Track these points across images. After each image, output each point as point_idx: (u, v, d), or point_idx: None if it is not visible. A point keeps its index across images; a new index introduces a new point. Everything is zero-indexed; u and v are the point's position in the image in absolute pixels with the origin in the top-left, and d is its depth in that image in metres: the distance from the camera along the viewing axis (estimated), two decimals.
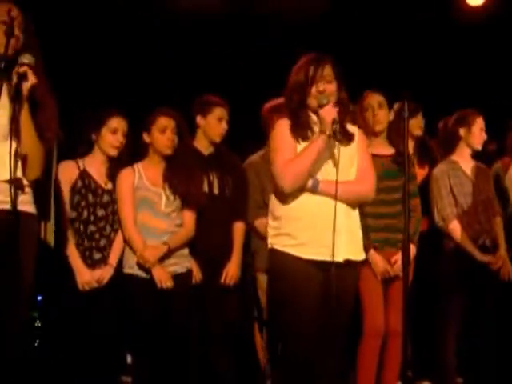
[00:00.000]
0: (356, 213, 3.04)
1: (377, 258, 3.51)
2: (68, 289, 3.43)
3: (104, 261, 3.47)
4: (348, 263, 2.96)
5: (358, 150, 3.04)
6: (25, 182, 2.60)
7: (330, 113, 2.88)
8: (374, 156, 3.54)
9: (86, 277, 3.39)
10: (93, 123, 3.55)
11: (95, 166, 3.55)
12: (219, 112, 3.83)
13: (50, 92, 2.69)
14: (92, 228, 3.48)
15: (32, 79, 2.50)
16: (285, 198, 2.94)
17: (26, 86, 2.46)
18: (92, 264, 3.45)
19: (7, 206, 2.46)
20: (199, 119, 3.84)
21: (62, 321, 3.49)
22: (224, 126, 3.84)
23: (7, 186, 2.40)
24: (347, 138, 3.00)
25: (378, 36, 5.11)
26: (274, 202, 3.01)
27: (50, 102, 2.67)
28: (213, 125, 3.81)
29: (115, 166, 3.56)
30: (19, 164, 2.53)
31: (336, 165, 2.93)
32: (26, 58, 2.49)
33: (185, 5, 4.80)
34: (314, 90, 2.95)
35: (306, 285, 2.89)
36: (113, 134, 3.53)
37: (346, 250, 2.94)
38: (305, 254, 2.90)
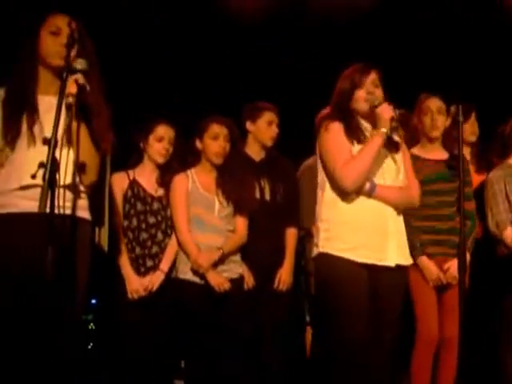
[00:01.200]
0: (401, 218, 3.03)
1: (429, 264, 3.44)
2: (121, 293, 3.44)
3: (156, 268, 3.48)
4: (398, 268, 2.95)
5: (402, 158, 3.05)
6: (81, 188, 2.62)
7: (387, 110, 2.88)
8: (428, 160, 3.48)
9: (135, 285, 3.40)
10: (140, 132, 3.59)
11: (145, 174, 3.58)
12: (269, 116, 3.83)
13: (105, 102, 2.70)
14: (144, 235, 3.50)
15: (81, 81, 2.46)
16: (337, 201, 2.92)
17: (72, 89, 2.45)
18: (145, 271, 3.46)
19: (64, 211, 2.49)
20: (249, 125, 3.84)
21: (116, 325, 3.51)
22: (275, 129, 3.84)
23: (63, 191, 2.42)
24: (395, 147, 3.00)
25: (428, 37, 5.01)
26: (324, 205, 2.98)
27: (105, 111, 2.67)
28: (263, 129, 3.82)
29: (165, 173, 3.58)
30: (75, 171, 2.56)
31: (393, 169, 2.96)
32: (79, 64, 2.50)
33: (234, 8, 4.79)
34: (362, 93, 2.96)
35: (358, 288, 2.87)
36: (159, 142, 3.55)
37: (397, 254, 2.93)
38: (357, 257, 2.87)
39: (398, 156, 3.02)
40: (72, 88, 2.43)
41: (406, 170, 3.04)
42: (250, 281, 3.62)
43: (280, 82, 5.15)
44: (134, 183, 3.55)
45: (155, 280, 3.44)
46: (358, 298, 2.85)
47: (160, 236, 3.52)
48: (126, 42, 4.82)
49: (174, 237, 3.53)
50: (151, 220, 3.52)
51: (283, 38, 5.07)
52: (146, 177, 3.58)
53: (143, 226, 3.50)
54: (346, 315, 2.86)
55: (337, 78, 3.09)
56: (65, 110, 2.41)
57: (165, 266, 3.48)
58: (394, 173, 2.99)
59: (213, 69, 5.23)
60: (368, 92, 2.95)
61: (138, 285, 3.41)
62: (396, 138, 2.98)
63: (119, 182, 3.54)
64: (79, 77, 2.47)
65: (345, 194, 2.90)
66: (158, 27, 4.91)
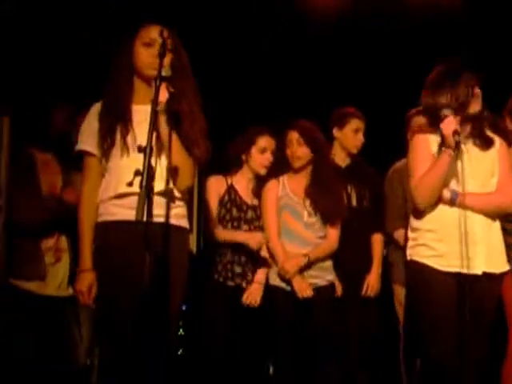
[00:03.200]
0: (497, 224, 2.90)
1: None
2: (210, 299, 3.43)
3: (244, 275, 3.45)
4: (488, 276, 2.82)
5: (498, 160, 2.92)
6: (177, 194, 2.61)
7: (449, 125, 2.74)
8: None
9: (257, 239, 3.39)
10: (243, 143, 3.55)
11: (243, 182, 3.57)
12: (355, 123, 3.78)
13: (199, 109, 2.68)
14: (235, 243, 3.46)
15: (164, 94, 2.46)
16: (422, 209, 2.86)
17: (162, 98, 2.44)
18: (232, 277, 3.44)
19: (161, 220, 2.49)
20: (336, 131, 3.80)
21: (205, 331, 3.48)
22: (360, 137, 3.80)
23: (160, 198, 2.42)
24: (486, 144, 2.88)
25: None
26: (413, 213, 2.94)
27: (199, 120, 2.66)
28: (349, 136, 3.77)
29: (262, 182, 3.56)
30: (169, 177, 2.55)
31: (482, 173, 2.86)
32: (164, 71, 2.48)
33: (321, 11, 4.73)
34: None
35: (444, 296, 2.78)
36: (262, 154, 3.52)
37: (486, 262, 2.81)
38: (442, 265, 2.80)
39: (493, 154, 2.89)
40: (162, 96, 2.43)
41: (502, 172, 2.90)
42: (339, 289, 3.56)
43: (368, 86, 5.06)
44: (231, 189, 3.53)
45: (256, 294, 3.41)
46: (442, 306, 2.76)
47: None
48: (216, 52, 4.84)
49: (265, 248, 3.49)
50: (244, 227, 3.49)
51: (371, 42, 4.98)
52: (244, 185, 3.56)
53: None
54: (429, 323, 2.79)
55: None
56: (156, 118, 2.43)
57: (262, 276, 3.46)
58: (486, 177, 2.88)
59: (301, 73, 5.19)
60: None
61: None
62: (491, 136, 2.84)
63: (217, 186, 3.52)
64: (167, 84, 2.47)
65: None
66: (248, 37, 4.90)
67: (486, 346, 2.86)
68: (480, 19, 4.70)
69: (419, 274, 2.85)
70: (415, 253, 2.88)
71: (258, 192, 3.54)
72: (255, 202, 3.54)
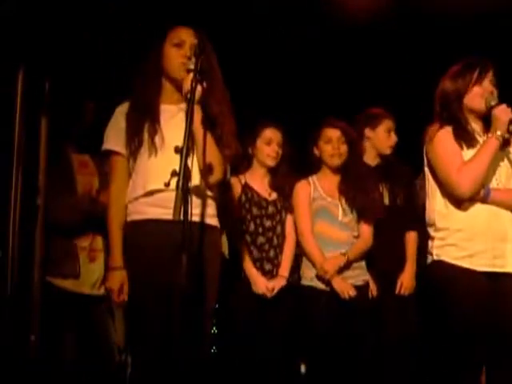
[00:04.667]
0: None
1: None
2: (240, 297, 3.41)
3: (274, 271, 3.43)
4: None
5: None
6: (209, 193, 2.61)
7: (506, 112, 2.70)
8: None
9: (262, 287, 3.36)
10: (248, 137, 3.53)
11: (256, 179, 3.54)
12: (388, 124, 3.76)
13: (230, 110, 2.68)
14: (261, 239, 3.45)
15: (198, 88, 2.46)
16: (452, 208, 2.79)
17: (197, 91, 2.45)
18: (263, 275, 3.41)
19: (195, 219, 2.49)
20: (368, 131, 3.77)
21: (234, 329, 3.48)
22: (393, 137, 3.77)
23: (194, 198, 2.42)
24: (508, 145, 2.81)
25: None
26: (438, 212, 2.85)
27: (230, 121, 2.66)
28: (382, 137, 3.75)
29: (276, 176, 3.53)
30: (202, 176, 2.54)
31: (505, 169, 2.80)
32: (192, 64, 2.47)
33: (348, 9, 4.68)
34: (479, 89, 2.79)
35: (477, 296, 2.71)
36: (268, 145, 3.49)
37: None
38: (474, 265, 2.73)
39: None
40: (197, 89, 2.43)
41: None
42: (374, 289, 3.52)
43: (391, 87, 5.00)
44: (246, 188, 3.51)
45: (277, 284, 3.38)
46: (474, 306, 2.70)
47: (276, 240, 3.47)
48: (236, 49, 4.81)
49: (289, 240, 3.47)
50: (267, 224, 3.47)
51: (396, 42, 4.92)
52: (258, 181, 3.53)
53: (260, 230, 3.46)
54: (462, 328, 2.72)
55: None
56: (192, 112, 2.43)
57: (285, 271, 3.43)
58: (508, 172, 2.82)
59: (323, 73, 5.15)
60: (486, 90, 2.78)
61: (264, 287, 3.36)
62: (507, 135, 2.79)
63: (234, 187, 3.50)
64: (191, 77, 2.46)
65: (458, 201, 2.77)
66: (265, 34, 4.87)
67: None
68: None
69: (448, 274, 2.78)
70: (443, 253, 2.81)
71: (275, 185, 3.51)
72: (274, 195, 3.51)
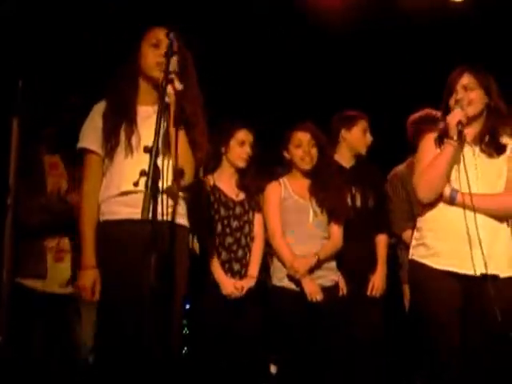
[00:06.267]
0: (504, 227, 2.83)
1: None
2: (209, 299, 3.38)
3: (243, 271, 3.41)
4: (491, 278, 2.71)
5: (509, 161, 2.85)
6: (179, 194, 2.60)
7: (454, 116, 2.74)
8: None
9: (230, 288, 3.34)
10: (221, 136, 3.52)
11: (224, 179, 3.51)
12: (363, 124, 3.79)
13: (202, 112, 2.68)
14: (229, 240, 3.43)
15: (177, 85, 2.48)
16: (424, 208, 2.85)
17: (170, 90, 2.45)
18: (232, 275, 3.39)
19: (165, 219, 2.47)
20: (344, 132, 3.79)
21: (204, 331, 3.45)
22: (369, 137, 3.80)
23: (164, 197, 2.41)
24: (497, 150, 2.82)
25: None
26: (418, 213, 2.93)
27: (202, 122, 2.66)
28: (358, 137, 3.77)
29: (244, 177, 3.51)
30: (174, 177, 2.54)
31: (478, 175, 2.80)
32: (172, 66, 2.48)
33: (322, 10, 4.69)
34: (452, 100, 2.83)
35: (441, 295, 2.74)
36: (241, 146, 3.49)
37: (487, 264, 2.70)
38: (436, 263, 2.77)
39: (502, 159, 2.84)
40: (170, 89, 2.44)
41: (510, 175, 2.85)
42: (343, 287, 3.52)
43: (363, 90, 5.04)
44: (214, 188, 3.48)
45: (246, 284, 3.36)
46: (438, 305, 2.73)
47: (244, 240, 3.45)
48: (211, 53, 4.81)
49: (258, 241, 3.46)
50: (235, 224, 3.45)
51: (368, 43, 4.96)
52: (226, 181, 3.51)
53: (228, 230, 3.43)
54: (428, 322, 2.76)
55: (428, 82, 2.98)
56: (164, 114, 2.42)
57: (254, 271, 3.41)
58: (492, 177, 2.82)
59: (296, 77, 5.17)
60: (456, 99, 2.80)
61: (232, 287, 3.34)
62: (504, 139, 2.81)
63: (203, 188, 3.47)
64: (173, 77, 2.46)
65: (431, 203, 2.82)
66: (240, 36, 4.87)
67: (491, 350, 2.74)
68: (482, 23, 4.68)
69: (418, 273, 2.84)
70: (416, 252, 2.87)
71: (242, 185, 3.49)
72: (241, 196, 3.49)
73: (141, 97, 2.68)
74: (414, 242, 2.92)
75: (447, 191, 2.77)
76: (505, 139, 2.87)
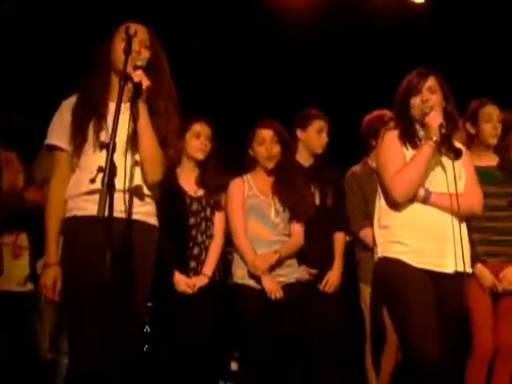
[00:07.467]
0: (464, 225, 2.88)
1: (484, 271, 3.31)
2: (166, 296, 3.35)
3: (199, 268, 3.37)
4: (458, 275, 2.78)
5: (464, 165, 2.91)
6: (146, 192, 2.57)
7: (436, 119, 2.75)
8: (482, 168, 3.35)
9: (182, 286, 3.31)
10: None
11: (183, 174, 3.47)
12: (319, 124, 3.77)
13: (175, 108, 2.64)
14: (184, 237, 3.39)
15: (145, 81, 2.45)
16: (395, 207, 2.82)
17: (130, 87, 2.42)
18: (187, 272, 3.35)
19: (135, 217, 2.46)
20: (299, 132, 3.78)
21: (162, 326, 3.42)
22: (324, 137, 3.78)
23: (126, 195, 2.39)
24: (456, 154, 2.83)
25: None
26: (382, 211, 2.89)
27: (174, 119, 2.62)
28: (313, 137, 3.76)
29: (204, 173, 3.47)
30: (139, 173, 2.52)
31: (447, 176, 2.81)
32: (139, 61, 2.46)
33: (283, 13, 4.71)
34: (417, 100, 2.84)
35: (421, 291, 2.73)
36: (197, 138, 3.44)
37: (457, 261, 2.77)
38: (415, 261, 2.76)
39: (459, 163, 2.87)
40: (136, 77, 2.41)
41: (467, 177, 2.90)
42: (311, 271, 3.54)
43: (328, 89, 5.07)
44: (172, 184, 3.41)
45: (199, 282, 3.33)
46: (422, 300, 2.71)
47: (200, 237, 3.41)
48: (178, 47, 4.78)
49: (216, 239, 3.42)
50: (191, 221, 3.40)
51: (333, 43, 5.00)
52: (185, 177, 3.47)
53: (183, 227, 3.39)
54: (412, 321, 2.70)
55: (387, 83, 2.99)
56: (129, 113, 2.39)
57: (208, 269, 3.37)
58: (453, 180, 2.82)
59: (261, 76, 5.18)
60: (422, 99, 2.82)
61: (184, 285, 3.31)
62: (457, 144, 2.85)
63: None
64: (140, 73, 2.44)
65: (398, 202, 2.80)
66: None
67: (453, 346, 2.80)
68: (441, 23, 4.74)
69: (394, 269, 2.79)
70: (387, 250, 2.83)
71: (202, 181, 3.46)
72: (200, 192, 3.45)
73: (112, 93, 2.60)
74: (380, 240, 2.86)
75: (421, 191, 2.78)
76: (458, 144, 2.91)
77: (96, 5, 4.23)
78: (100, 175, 2.19)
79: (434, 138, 2.74)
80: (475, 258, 3.20)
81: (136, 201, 2.51)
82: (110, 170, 2.18)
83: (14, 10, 4.05)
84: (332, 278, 3.62)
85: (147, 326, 4.19)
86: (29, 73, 4.09)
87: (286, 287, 3.37)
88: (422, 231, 2.77)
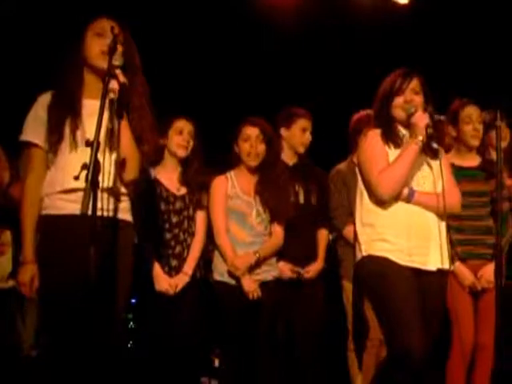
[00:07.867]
0: (444, 224, 2.90)
1: (464, 270, 3.36)
2: (149, 293, 3.34)
3: (180, 267, 3.37)
4: (440, 272, 2.83)
5: (442, 165, 2.90)
6: (123, 190, 2.58)
7: (422, 118, 2.78)
8: (462, 169, 3.39)
9: (164, 285, 3.32)
10: (160, 128, 3.34)
11: (166, 173, 3.46)
12: (302, 123, 3.77)
13: (149, 105, 2.65)
14: (167, 235, 3.37)
15: (121, 78, 2.44)
16: (380, 205, 2.82)
17: (114, 85, 2.42)
18: (169, 271, 3.35)
19: (106, 214, 2.44)
20: (283, 131, 3.78)
21: (144, 323, 3.43)
22: (308, 136, 3.79)
23: (106, 193, 2.40)
24: (434, 154, 2.87)
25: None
26: (365, 209, 2.89)
27: (148, 114, 2.63)
28: (297, 135, 3.76)
29: (187, 171, 3.46)
30: (117, 172, 2.51)
31: (429, 175, 2.86)
32: (117, 60, 2.45)
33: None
34: (400, 100, 2.86)
35: (407, 288, 2.74)
36: (179, 135, 3.43)
37: (439, 259, 2.82)
38: (402, 260, 2.77)
39: (437, 163, 2.89)
40: (114, 84, 2.41)
41: (446, 177, 2.90)
42: (292, 268, 3.56)
43: (314, 87, 5.09)
44: (154, 182, 3.41)
45: (179, 282, 3.33)
46: (408, 297, 2.72)
47: (182, 236, 3.41)
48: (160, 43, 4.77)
49: (198, 238, 3.42)
50: (174, 219, 3.39)
51: (318, 43, 5.01)
52: (168, 175, 3.45)
53: (166, 225, 3.38)
54: (400, 318, 2.70)
55: (371, 83, 3.01)
56: (108, 111, 2.39)
57: (189, 268, 3.37)
58: (433, 179, 2.88)
59: (246, 74, 5.19)
60: (406, 100, 2.84)
61: (166, 285, 3.31)
62: (435, 145, 2.88)
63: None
64: (119, 73, 2.44)
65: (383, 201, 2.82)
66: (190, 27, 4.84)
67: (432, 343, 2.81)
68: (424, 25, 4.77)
69: (381, 267, 2.79)
70: (372, 248, 2.83)
71: (184, 179, 3.45)
72: (183, 190, 3.44)
73: (86, 89, 2.62)
74: (364, 238, 2.86)
75: (405, 190, 2.80)
76: (435, 144, 2.91)
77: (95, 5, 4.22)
78: (83, 172, 2.19)
79: (420, 138, 2.77)
80: (455, 257, 3.25)
81: (113, 199, 2.51)
82: (94, 168, 2.19)
83: (15, 10, 4.04)
84: (314, 267, 3.63)
85: (131, 323, 4.19)
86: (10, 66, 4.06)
87: (265, 284, 3.39)
88: (407, 229, 2.79)
